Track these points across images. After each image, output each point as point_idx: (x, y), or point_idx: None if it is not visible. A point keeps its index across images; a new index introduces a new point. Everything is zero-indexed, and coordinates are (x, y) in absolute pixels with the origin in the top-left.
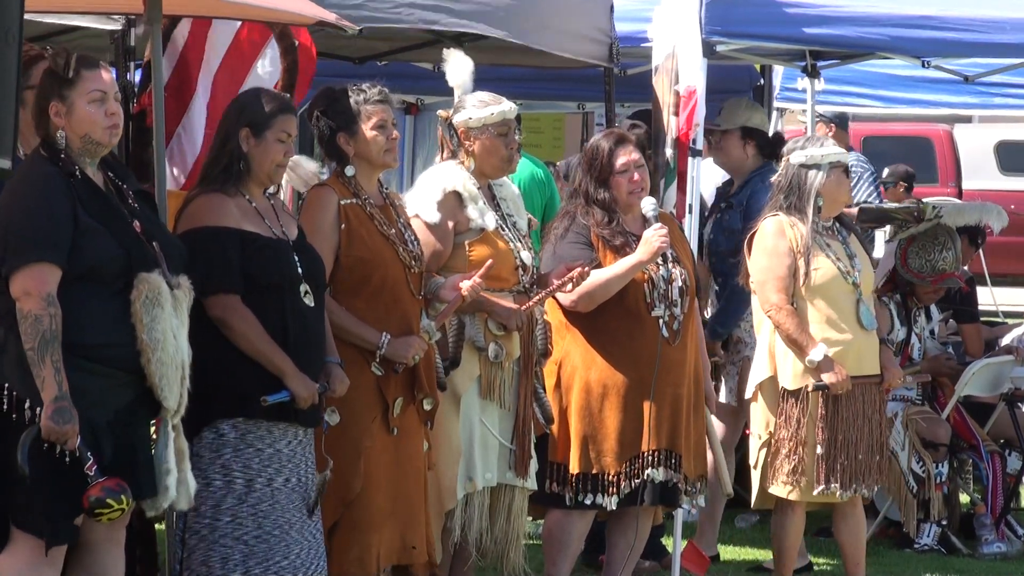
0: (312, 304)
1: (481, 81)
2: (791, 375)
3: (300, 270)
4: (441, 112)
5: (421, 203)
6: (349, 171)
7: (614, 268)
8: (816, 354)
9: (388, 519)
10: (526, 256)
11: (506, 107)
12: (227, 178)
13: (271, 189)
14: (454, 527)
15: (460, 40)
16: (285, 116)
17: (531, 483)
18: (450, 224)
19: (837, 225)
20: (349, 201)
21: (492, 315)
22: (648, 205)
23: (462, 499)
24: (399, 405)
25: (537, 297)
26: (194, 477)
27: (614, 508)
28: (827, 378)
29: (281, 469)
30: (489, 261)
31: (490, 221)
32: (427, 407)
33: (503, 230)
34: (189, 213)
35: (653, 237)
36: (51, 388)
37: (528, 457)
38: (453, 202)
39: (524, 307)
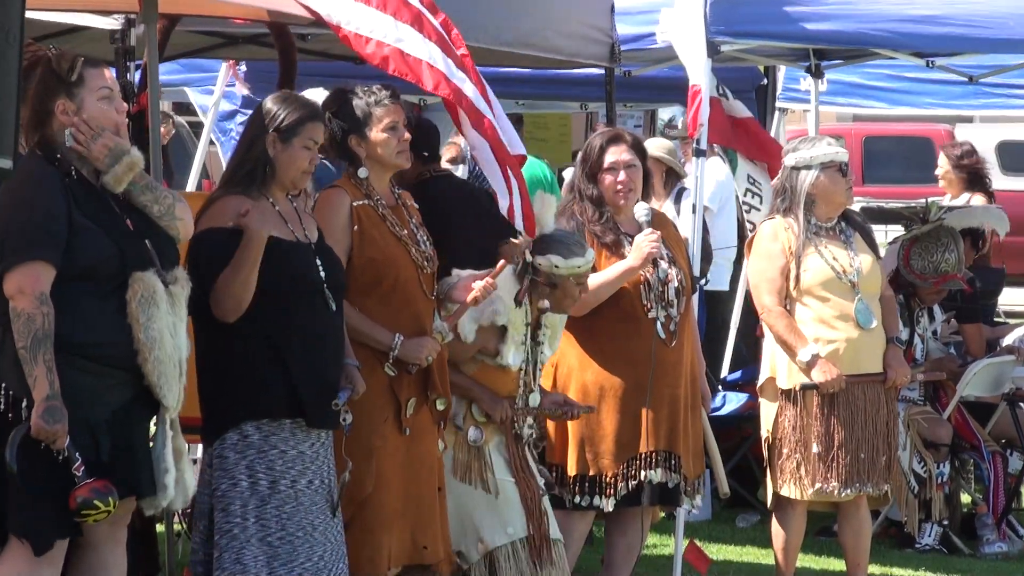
0: (334, 307)
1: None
2: (786, 375)
3: (323, 273)
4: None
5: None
6: (363, 173)
7: (605, 274)
8: (804, 354)
9: (398, 519)
10: (533, 398)
11: (570, 263)
12: (251, 181)
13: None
14: None
15: None
16: (313, 123)
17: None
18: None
19: (843, 224)
20: (361, 202)
21: (478, 402)
22: (641, 210)
23: (483, 562)
24: (412, 406)
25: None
26: (221, 478)
27: (611, 510)
28: (815, 377)
29: (304, 471)
30: (501, 262)
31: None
32: (440, 407)
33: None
34: (208, 214)
35: (644, 243)
36: (43, 387)
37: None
38: None
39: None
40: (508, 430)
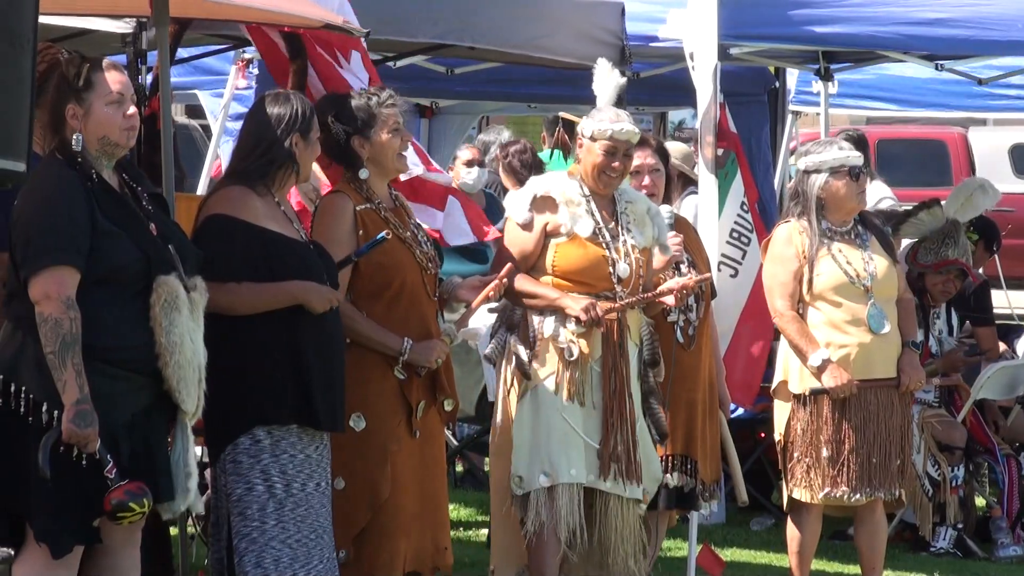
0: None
1: (496, 83)
2: (798, 379)
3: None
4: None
5: (514, 204)
6: (363, 174)
7: None
8: (815, 359)
9: (415, 522)
10: (622, 268)
11: (618, 127)
12: (260, 178)
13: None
14: (528, 519)
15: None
16: (315, 115)
17: (630, 492)
18: (540, 225)
19: (859, 228)
20: (364, 206)
21: (562, 309)
22: (664, 213)
23: (544, 491)
24: (421, 408)
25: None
26: (236, 483)
27: None
28: (826, 382)
29: (312, 474)
30: (508, 265)
31: (583, 228)
32: (447, 408)
33: (601, 238)
34: (210, 202)
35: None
36: (72, 391)
37: (611, 461)
38: (544, 205)
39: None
40: (612, 342)
